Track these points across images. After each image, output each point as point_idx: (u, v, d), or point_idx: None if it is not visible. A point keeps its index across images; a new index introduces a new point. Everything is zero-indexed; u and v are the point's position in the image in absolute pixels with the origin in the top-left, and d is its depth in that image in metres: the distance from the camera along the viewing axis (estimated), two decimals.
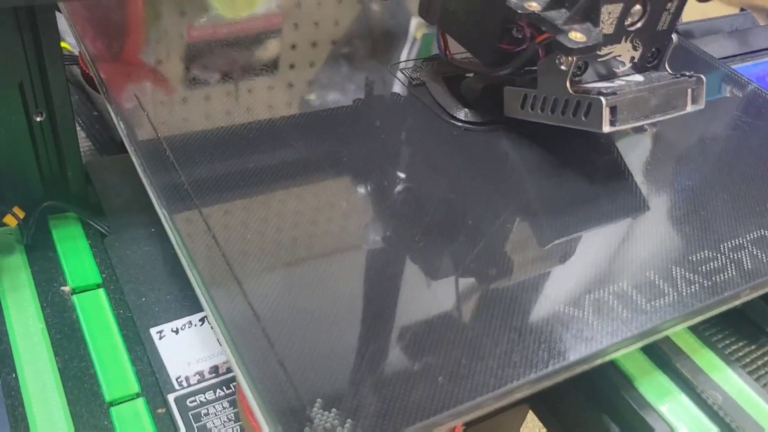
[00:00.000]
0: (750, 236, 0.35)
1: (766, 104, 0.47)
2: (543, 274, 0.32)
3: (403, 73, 0.44)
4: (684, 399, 0.34)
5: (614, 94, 0.35)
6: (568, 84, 0.35)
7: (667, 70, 0.38)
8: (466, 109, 0.40)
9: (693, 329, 0.37)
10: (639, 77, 0.38)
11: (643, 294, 0.31)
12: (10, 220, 0.36)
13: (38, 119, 0.36)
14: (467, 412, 0.25)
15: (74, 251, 0.37)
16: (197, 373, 0.33)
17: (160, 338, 0.34)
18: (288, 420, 0.24)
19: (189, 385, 0.32)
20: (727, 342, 0.38)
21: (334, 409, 0.24)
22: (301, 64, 0.44)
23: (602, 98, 0.34)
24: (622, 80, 0.37)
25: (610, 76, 0.37)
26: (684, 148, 0.42)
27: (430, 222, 0.34)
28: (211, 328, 0.30)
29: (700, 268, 0.33)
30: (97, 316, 0.34)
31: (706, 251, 0.34)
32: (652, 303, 0.31)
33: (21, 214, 0.36)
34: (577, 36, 0.33)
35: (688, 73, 0.37)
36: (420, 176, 0.37)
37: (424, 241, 0.33)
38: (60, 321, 0.33)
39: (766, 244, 0.35)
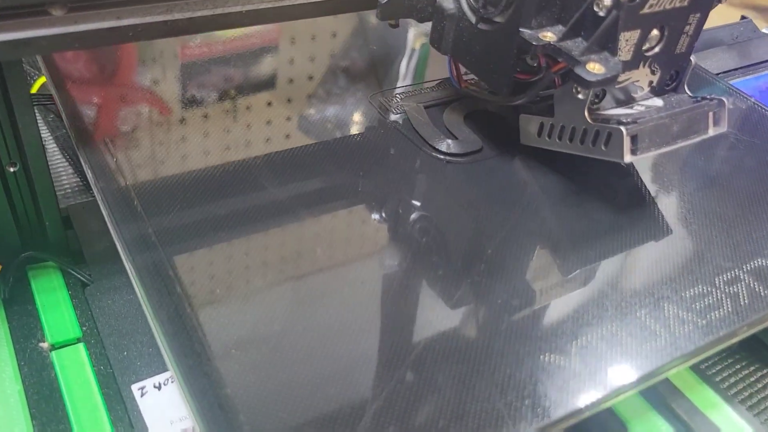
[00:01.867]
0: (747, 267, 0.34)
1: (763, 120, 0.45)
2: (521, 322, 0.30)
3: (383, 103, 0.43)
4: None
5: (635, 122, 0.33)
6: (586, 113, 0.34)
7: (686, 93, 0.37)
8: (449, 141, 0.39)
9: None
10: (659, 101, 0.36)
11: (634, 338, 0.30)
12: None
13: (12, 170, 0.35)
14: None
15: (53, 304, 0.36)
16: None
17: (142, 395, 0.33)
18: None
19: None
20: (725, 375, 0.36)
21: None
22: (280, 99, 0.43)
23: (622, 128, 0.33)
24: (642, 105, 0.35)
25: (629, 101, 0.36)
26: (673, 171, 0.41)
27: (398, 262, 0.33)
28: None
29: (694, 305, 0.31)
30: (76, 374, 0.33)
31: (700, 286, 0.33)
32: (644, 346, 0.29)
33: None
34: (595, 67, 0.31)
35: (708, 96, 0.36)
36: (397, 210, 0.36)
37: (395, 283, 0.32)
38: (38, 381, 0.32)
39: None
